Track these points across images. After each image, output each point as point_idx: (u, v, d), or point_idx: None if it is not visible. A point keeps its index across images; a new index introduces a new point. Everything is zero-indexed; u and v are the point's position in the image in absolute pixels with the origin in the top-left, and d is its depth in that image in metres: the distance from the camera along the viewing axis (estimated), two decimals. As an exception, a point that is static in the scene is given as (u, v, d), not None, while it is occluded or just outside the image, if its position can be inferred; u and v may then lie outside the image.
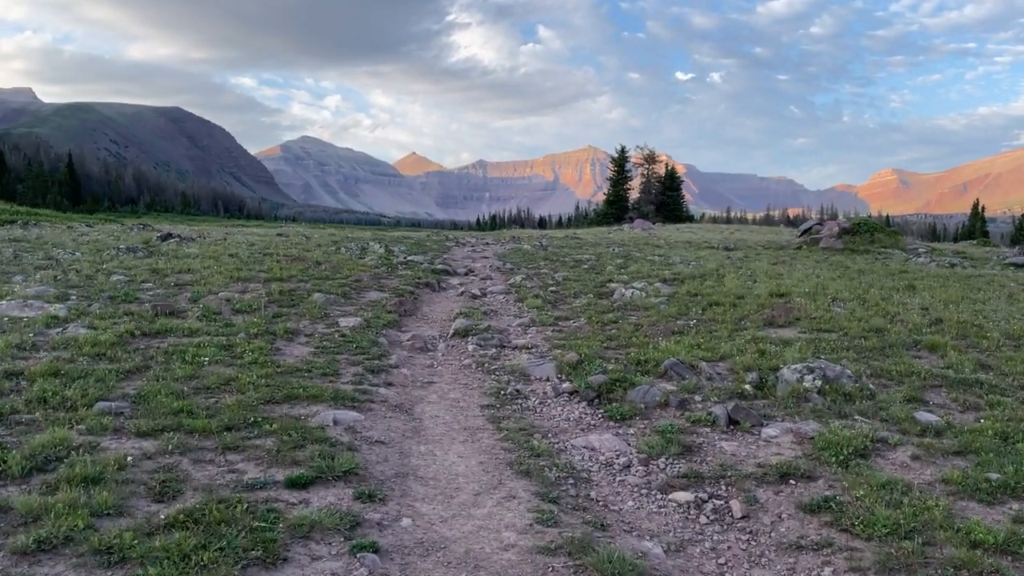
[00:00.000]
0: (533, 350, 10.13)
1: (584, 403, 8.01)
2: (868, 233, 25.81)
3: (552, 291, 15.31)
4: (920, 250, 25.22)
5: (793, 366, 8.42)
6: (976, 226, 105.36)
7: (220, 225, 67.90)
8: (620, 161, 68.81)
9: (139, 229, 26.41)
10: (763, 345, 10.11)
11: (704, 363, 9.05)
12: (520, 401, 7.99)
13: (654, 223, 51.17)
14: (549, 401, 8.07)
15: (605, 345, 10.37)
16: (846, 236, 25.82)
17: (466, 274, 17.81)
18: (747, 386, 8.28)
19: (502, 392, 8.18)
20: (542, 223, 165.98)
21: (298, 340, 9.56)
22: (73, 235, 24.06)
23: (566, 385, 8.47)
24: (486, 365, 9.35)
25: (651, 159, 67.94)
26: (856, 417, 7.44)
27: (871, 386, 8.29)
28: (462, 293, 14.79)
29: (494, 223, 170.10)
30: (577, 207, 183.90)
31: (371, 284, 14.09)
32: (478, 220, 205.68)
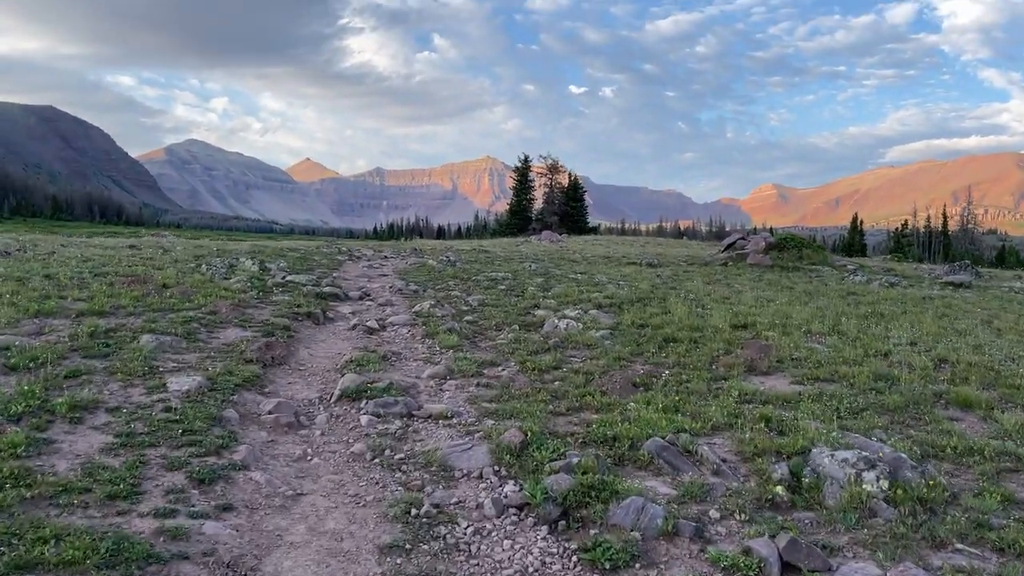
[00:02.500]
0: (454, 420, 7.14)
1: (544, 528, 5.10)
2: (796, 249, 24.26)
3: (468, 321, 12.34)
4: (849, 267, 23.87)
5: (836, 454, 5.81)
6: (855, 239, 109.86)
7: (84, 232, 61.01)
8: (523, 170, 66.54)
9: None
10: (762, 407, 7.55)
11: (703, 444, 6.32)
12: (443, 530, 4.98)
13: (560, 234, 49.05)
14: (488, 528, 5.10)
15: (552, 409, 7.51)
16: (773, 252, 24.17)
17: (361, 298, 14.57)
18: (778, 488, 5.60)
19: (413, 513, 5.14)
20: (441, 233, 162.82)
21: (92, 421, 6.17)
22: None
23: (511, 491, 5.54)
24: (387, 454, 6.27)
25: (554, 169, 66.06)
26: (959, 546, 4.89)
27: (941, 480, 5.79)
28: (355, 326, 11.59)
29: (392, 232, 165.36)
30: (477, 217, 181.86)
31: (231, 317, 10.67)
32: (375, 229, 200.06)
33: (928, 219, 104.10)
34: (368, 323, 11.79)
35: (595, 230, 70.62)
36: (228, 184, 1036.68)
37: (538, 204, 66.91)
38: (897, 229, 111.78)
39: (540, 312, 13.42)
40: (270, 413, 6.92)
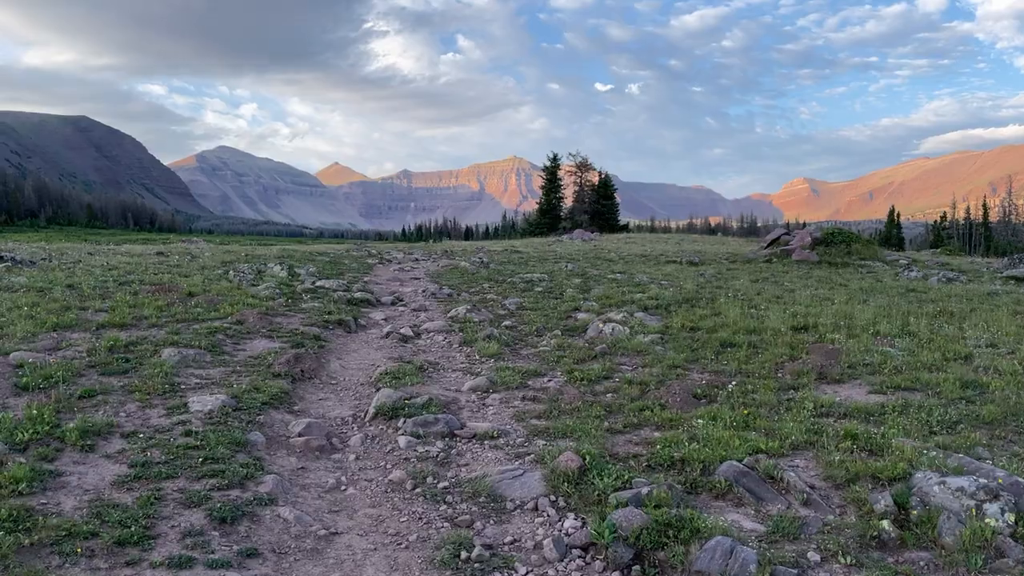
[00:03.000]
0: (501, 441, 6.45)
1: (615, 575, 4.40)
2: (844, 244, 23.18)
3: (507, 327, 11.67)
4: (901, 262, 22.74)
5: (948, 481, 5.02)
6: (892, 232, 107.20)
7: (116, 239, 61.49)
8: (552, 169, 65.68)
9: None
10: (844, 423, 6.76)
11: (787, 469, 5.56)
12: (499, 577, 4.30)
13: (592, 233, 48.18)
14: (551, 575, 4.40)
15: (608, 426, 6.80)
16: (820, 247, 23.12)
17: (393, 303, 13.97)
18: (883, 523, 4.82)
19: (463, 556, 4.47)
20: (469, 233, 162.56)
21: (105, 448, 5.59)
22: None
23: (573, 528, 4.84)
24: (429, 481, 5.60)
25: (584, 167, 65.14)
26: (1115, 597, 4.09)
27: (1071, 510, 4.96)
28: (388, 334, 10.97)
29: (420, 234, 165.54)
30: (504, 217, 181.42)
31: (259, 327, 10.11)
32: (403, 231, 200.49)
33: (968, 211, 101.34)
34: (402, 330, 11.17)
35: (626, 228, 69.57)
36: (258, 190, 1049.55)
37: (567, 203, 66.06)
38: (936, 222, 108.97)
39: (582, 316, 12.71)
40: (300, 436, 6.30)
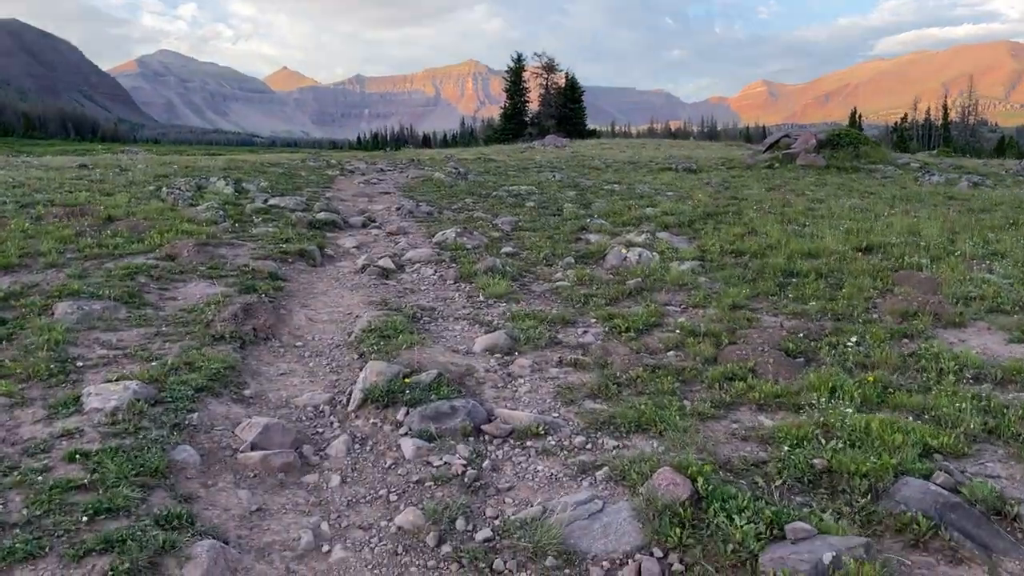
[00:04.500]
0: (551, 441, 4.43)
1: None
2: (851, 146, 21.18)
3: (507, 254, 9.54)
4: (912, 165, 20.91)
5: None
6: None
7: (54, 151, 56.80)
8: (516, 71, 61.72)
9: None
10: (1010, 389, 4.90)
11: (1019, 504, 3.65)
12: None
13: (563, 139, 45.45)
14: None
15: (692, 407, 4.83)
16: (826, 150, 21.11)
17: (364, 225, 11.64)
18: None
19: None
20: (427, 141, 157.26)
21: (-75, 501, 3.41)
22: None
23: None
24: (461, 527, 3.57)
25: (550, 68, 61.48)
26: None
27: None
28: (364, 268, 8.74)
29: (377, 142, 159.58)
30: (463, 123, 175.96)
31: (196, 263, 7.78)
32: (359, 139, 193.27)
33: (928, 111, 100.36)
34: (380, 261, 8.95)
35: (595, 133, 66.77)
36: (204, 96, 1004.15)
37: (533, 107, 62.69)
38: (897, 123, 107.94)
39: (593, 237, 10.63)
40: (254, 448, 4.17)
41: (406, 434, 4.46)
